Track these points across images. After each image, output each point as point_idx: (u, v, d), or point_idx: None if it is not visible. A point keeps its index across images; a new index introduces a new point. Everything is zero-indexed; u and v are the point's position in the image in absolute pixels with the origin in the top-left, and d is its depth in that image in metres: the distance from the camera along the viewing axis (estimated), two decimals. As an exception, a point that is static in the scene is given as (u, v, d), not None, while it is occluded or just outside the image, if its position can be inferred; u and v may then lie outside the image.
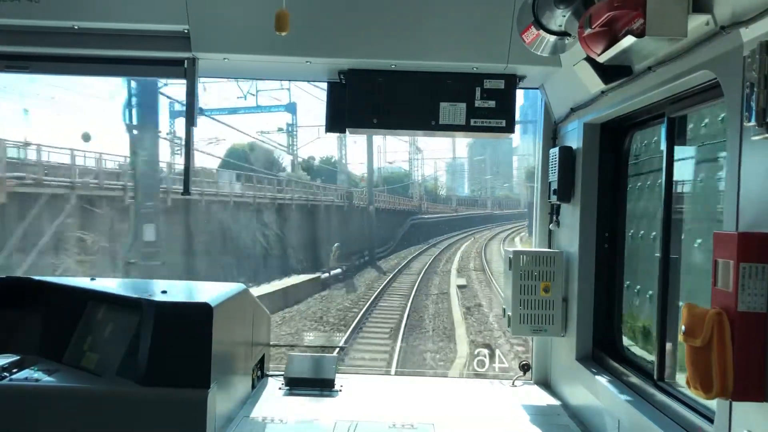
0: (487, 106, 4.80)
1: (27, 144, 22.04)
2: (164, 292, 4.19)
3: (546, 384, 5.42)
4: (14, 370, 3.87)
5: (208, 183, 27.77)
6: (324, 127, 5.11)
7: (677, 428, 3.30)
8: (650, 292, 4.20)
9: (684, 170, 3.90)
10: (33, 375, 3.81)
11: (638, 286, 4.47)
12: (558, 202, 5.04)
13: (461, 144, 70.61)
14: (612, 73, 3.62)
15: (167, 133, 33.03)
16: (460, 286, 24.49)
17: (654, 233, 4.16)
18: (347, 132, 5.04)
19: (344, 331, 17.68)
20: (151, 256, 20.19)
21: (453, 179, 75.83)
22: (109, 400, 3.66)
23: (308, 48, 4.49)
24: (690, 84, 3.25)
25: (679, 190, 3.88)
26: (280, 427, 4.33)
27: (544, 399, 5.11)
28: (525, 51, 3.70)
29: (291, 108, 41.74)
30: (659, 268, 3.76)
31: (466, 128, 4.84)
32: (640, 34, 2.73)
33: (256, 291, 17.67)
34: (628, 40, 2.80)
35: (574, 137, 4.86)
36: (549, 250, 5.32)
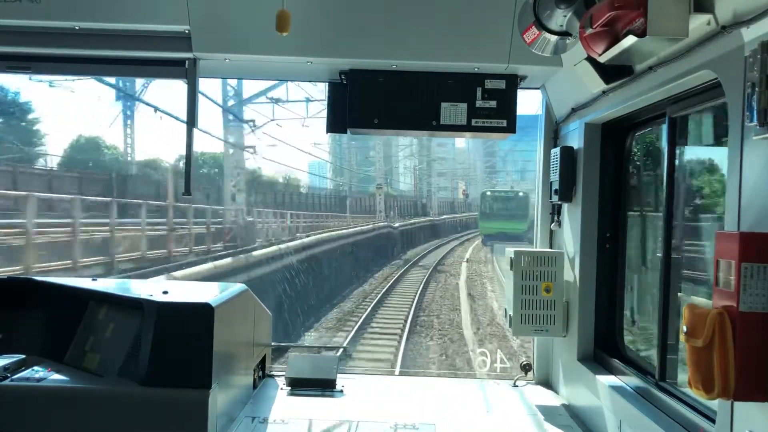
0: (488, 106, 4.80)
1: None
2: (165, 292, 4.19)
3: (548, 384, 5.41)
4: (16, 371, 3.87)
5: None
6: (325, 128, 5.11)
7: (679, 428, 3.29)
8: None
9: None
10: (34, 375, 3.81)
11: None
12: (559, 202, 5.04)
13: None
14: (613, 72, 3.63)
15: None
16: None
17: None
18: (348, 132, 5.04)
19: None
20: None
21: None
22: (111, 400, 3.66)
23: (309, 48, 4.49)
24: (691, 84, 3.25)
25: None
26: (281, 427, 4.32)
27: (546, 399, 5.11)
28: (526, 51, 3.70)
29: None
30: (660, 268, 3.76)
31: (467, 128, 4.85)
32: (641, 33, 2.73)
33: None
34: (629, 40, 2.80)
35: (575, 137, 4.86)
36: (550, 250, 5.32)
